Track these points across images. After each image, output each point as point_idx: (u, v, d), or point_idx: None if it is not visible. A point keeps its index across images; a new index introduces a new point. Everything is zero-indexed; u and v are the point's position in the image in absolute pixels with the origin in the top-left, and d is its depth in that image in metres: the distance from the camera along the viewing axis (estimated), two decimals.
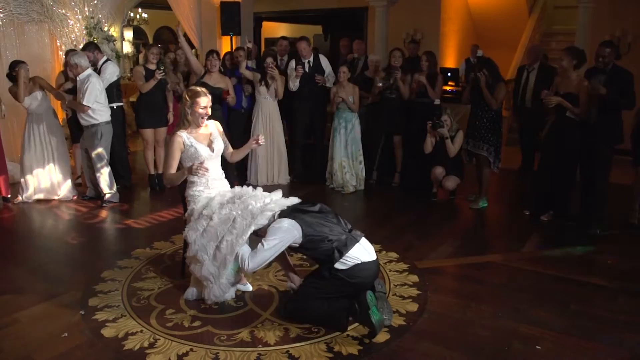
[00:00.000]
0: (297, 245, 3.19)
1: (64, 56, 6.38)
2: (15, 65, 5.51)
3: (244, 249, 3.22)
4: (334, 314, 3.13)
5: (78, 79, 5.44)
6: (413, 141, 6.01)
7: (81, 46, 6.79)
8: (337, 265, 3.11)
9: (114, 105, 5.96)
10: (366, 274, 3.15)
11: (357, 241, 3.19)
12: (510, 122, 8.22)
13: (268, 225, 3.21)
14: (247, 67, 6.31)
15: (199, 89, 3.59)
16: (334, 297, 3.17)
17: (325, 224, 3.20)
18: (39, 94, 5.61)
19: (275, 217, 3.23)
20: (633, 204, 5.00)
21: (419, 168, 5.98)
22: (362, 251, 3.17)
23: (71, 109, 5.83)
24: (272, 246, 3.12)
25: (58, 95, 5.76)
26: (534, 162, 6.58)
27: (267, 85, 6.12)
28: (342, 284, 3.13)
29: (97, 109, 5.45)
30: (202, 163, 3.41)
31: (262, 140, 3.68)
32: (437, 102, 5.96)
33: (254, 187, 3.54)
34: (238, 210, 3.27)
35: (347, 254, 3.10)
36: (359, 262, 3.12)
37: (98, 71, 5.88)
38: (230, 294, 3.49)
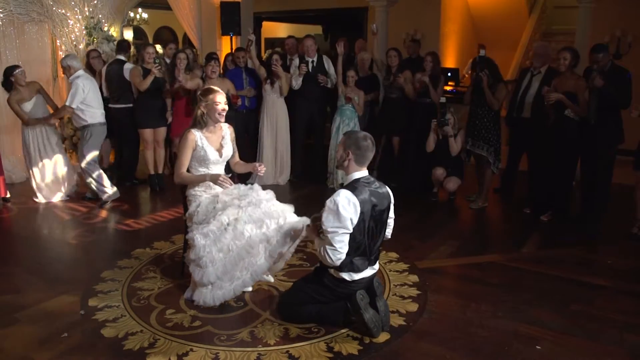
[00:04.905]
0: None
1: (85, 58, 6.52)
2: (10, 71, 5.41)
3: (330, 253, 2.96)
4: (328, 316, 3.13)
5: (70, 80, 5.52)
6: (413, 141, 6.00)
7: (79, 46, 6.83)
8: (342, 274, 3.04)
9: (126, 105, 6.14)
10: (352, 290, 3.07)
11: (372, 265, 3.14)
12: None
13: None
14: (247, 68, 6.31)
15: (212, 87, 3.62)
16: (324, 302, 3.15)
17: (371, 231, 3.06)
18: (35, 97, 5.59)
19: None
20: (634, 212, 4.82)
21: (420, 168, 5.98)
22: (365, 272, 3.10)
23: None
24: (336, 233, 2.89)
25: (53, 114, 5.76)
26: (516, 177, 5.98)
27: (272, 83, 6.12)
28: (330, 292, 3.11)
29: (87, 110, 5.48)
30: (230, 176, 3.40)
31: (261, 171, 3.63)
32: (443, 99, 5.93)
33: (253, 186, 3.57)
34: (253, 229, 3.28)
35: (355, 274, 3.05)
36: (357, 278, 3.06)
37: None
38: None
